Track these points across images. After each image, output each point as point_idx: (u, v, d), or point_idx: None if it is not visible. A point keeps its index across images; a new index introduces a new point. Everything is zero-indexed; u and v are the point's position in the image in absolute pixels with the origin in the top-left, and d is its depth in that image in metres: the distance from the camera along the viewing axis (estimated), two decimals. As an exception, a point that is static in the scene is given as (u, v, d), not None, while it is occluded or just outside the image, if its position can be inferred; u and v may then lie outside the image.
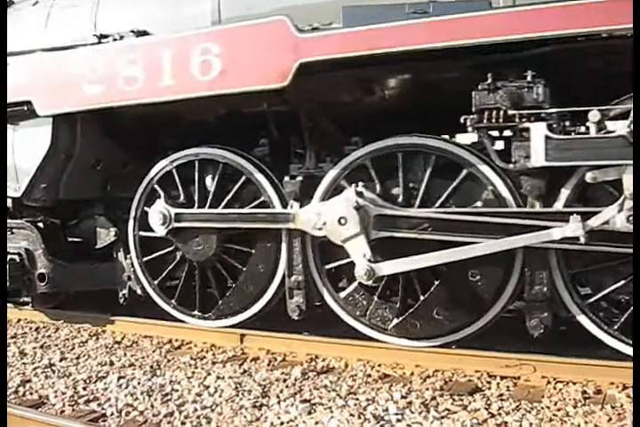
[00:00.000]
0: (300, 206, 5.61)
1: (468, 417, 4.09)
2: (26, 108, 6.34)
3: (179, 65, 5.53)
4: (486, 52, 4.78)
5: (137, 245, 6.56)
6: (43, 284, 6.71)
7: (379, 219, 5.18)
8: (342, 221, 5.15)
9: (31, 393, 4.87)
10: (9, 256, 6.76)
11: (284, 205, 5.75)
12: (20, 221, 6.96)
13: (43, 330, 6.87)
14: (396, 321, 5.33)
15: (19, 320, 7.25)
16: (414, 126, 5.39)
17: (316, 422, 4.11)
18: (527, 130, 4.72)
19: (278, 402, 4.49)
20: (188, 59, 5.47)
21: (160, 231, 6.13)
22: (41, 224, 7.03)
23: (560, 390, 4.54)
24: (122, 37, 6.09)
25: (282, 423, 4.13)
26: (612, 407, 4.18)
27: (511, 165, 4.86)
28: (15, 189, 6.67)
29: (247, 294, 6.01)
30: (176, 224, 6.06)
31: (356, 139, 5.58)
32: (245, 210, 5.89)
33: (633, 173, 4.42)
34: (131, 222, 6.58)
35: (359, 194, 5.16)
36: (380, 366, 5.22)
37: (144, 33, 6.08)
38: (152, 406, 4.52)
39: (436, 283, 5.21)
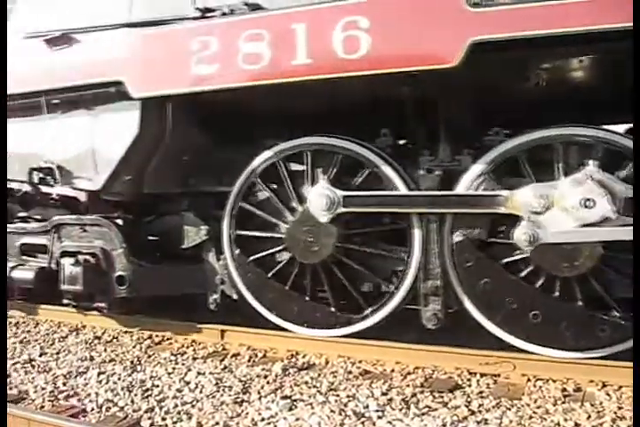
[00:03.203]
0: None
1: (449, 414, 4.10)
2: (113, 89, 5.78)
3: (317, 41, 4.92)
4: None
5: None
6: (122, 288, 6.01)
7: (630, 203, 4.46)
8: (589, 203, 4.49)
9: (11, 388, 4.83)
10: (82, 257, 6.12)
11: None
12: (95, 218, 6.25)
13: (22, 325, 6.82)
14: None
15: (-2, 315, 7.18)
16: (567, 116, 4.89)
17: (297, 419, 4.11)
18: None
19: (259, 398, 4.49)
20: (329, 34, 4.85)
21: (322, 218, 5.39)
22: (120, 221, 6.32)
23: (540, 387, 4.57)
24: (232, 11, 5.39)
25: (262, 419, 4.12)
26: (592, 405, 4.21)
27: None
28: (93, 181, 6.03)
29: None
30: (344, 209, 5.34)
31: (496, 129, 5.06)
32: (440, 191, 5.18)
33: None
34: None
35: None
36: (360, 362, 5.23)
37: (257, 6, 5.35)
38: (132, 401, 4.50)
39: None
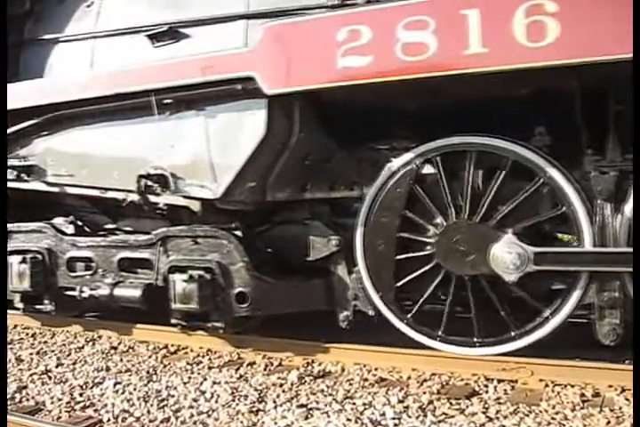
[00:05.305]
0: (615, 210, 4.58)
1: (466, 421, 4.08)
2: (239, 86, 5.24)
3: (494, 28, 4.38)
4: None
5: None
6: (243, 306, 5.48)
7: None
8: None
9: (27, 400, 4.84)
10: (195, 272, 5.53)
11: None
12: (210, 228, 5.66)
13: (39, 336, 6.83)
14: None
15: (15, 326, 7.17)
16: None
17: (313, 427, 4.10)
18: None
19: (275, 407, 4.47)
20: (509, 20, 4.30)
21: (508, 276, 4.82)
22: (238, 232, 5.71)
23: (558, 393, 4.53)
24: None
25: (278, 428, 4.12)
26: (611, 410, 4.17)
27: None
28: (211, 188, 5.50)
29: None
30: (535, 267, 4.76)
31: None
32: None
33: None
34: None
35: None
36: (376, 369, 5.20)
37: None
38: (148, 411, 4.50)
39: None
